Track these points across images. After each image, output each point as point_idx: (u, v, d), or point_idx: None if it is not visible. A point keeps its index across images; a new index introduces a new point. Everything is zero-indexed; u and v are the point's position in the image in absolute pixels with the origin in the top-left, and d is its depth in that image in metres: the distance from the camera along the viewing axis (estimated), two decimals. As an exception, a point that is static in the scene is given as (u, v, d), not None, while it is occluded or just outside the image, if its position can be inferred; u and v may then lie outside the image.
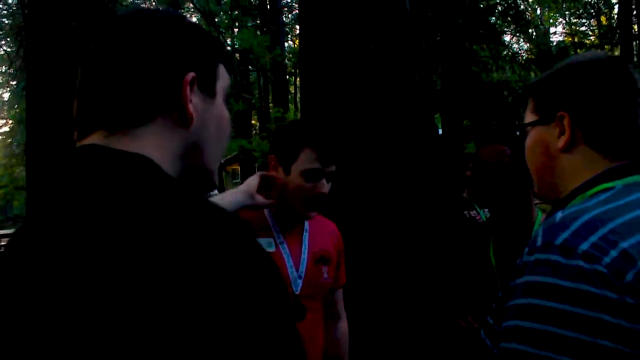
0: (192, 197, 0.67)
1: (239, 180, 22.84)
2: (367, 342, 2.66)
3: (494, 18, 13.82)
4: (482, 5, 13.05)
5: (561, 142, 1.08)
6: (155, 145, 0.74)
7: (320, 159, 1.72)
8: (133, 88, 0.74)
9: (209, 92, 0.81)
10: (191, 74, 0.77)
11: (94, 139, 0.74)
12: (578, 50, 15.76)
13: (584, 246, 0.85)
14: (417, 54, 3.14)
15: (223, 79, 0.85)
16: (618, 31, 16.53)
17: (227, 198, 1.63)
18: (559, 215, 0.95)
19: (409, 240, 2.86)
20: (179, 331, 0.56)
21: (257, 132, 22.56)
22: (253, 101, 19.91)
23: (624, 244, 0.85)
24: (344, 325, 2.11)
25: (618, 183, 1.00)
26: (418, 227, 2.89)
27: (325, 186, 1.74)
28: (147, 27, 0.76)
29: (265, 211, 1.85)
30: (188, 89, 0.76)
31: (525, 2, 18.77)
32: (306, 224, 1.90)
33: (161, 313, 0.56)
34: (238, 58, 18.72)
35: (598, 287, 0.82)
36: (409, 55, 3.03)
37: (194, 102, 0.78)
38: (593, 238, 0.86)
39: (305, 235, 1.87)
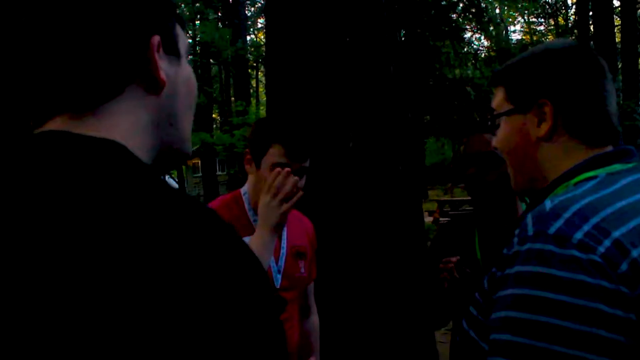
0: (168, 190, 0.61)
1: (199, 174, 22.57)
2: (339, 336, 2.65)
3: (455, 15, 13.99)
4: (444, 2, 13.19)
5: (543, 131, 1.06)
6: (127, 122, 0.67)
7: (288, 154, 1.71)
8: (97, 59, 0.65)
9: (175, 54, 0.75)
10: (157, 37, 0.70)
11: (55, 124, 0.65)
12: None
13: (579, 235, 0.84)
14: (392, 45, 3.12)
15: (182, 39, 0.78)
16: (575, 31, 16.96)
17: (265, 251, 1.58)
18: (549, 204, 0.93)
19: (385, 235, 2.84)
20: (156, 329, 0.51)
21: (218, 125, 22.39)
22: (214, 95, 19.74)
23: (616, 233, 0.84)
24: (315, 319, 2.11)
25: (600, 172, 0.99)
26: (393, 221, 2.87)
27: None
28: None
29: (247, 209, 1.84)
30: (156, 53, 0.70)
31: (486, 1, 19.08)
32: None
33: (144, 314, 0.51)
34: (199, 51, 18.49)
35: (593, 276, 0.81)
36: (385, 47, 3.01)
37: (163, 67, 0.71)
38: (587, 227, 0.85)
39: (284, 230, 1.86)
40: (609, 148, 1.04)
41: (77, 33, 0.65)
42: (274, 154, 1.71)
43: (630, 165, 1.01)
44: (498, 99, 1.16)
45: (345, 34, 2.87)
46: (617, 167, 1.00)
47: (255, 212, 1.79)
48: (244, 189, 1.88)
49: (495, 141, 1.17)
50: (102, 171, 0.59)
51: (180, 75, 0.75)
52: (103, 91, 0.66)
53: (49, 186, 0.57)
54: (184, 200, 0.60)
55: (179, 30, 0.77)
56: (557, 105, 1.05)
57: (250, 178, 1.84)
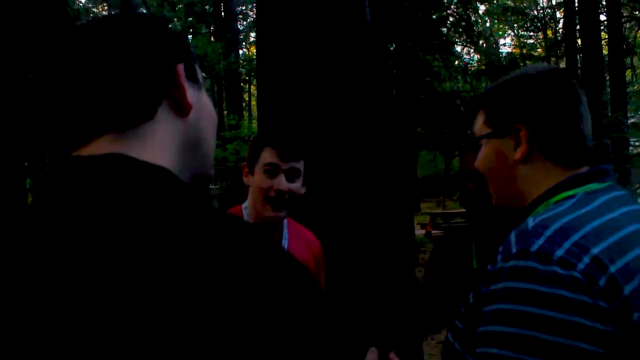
0: (214, 211, 0.68)
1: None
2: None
3: (445, 29, 14.08)
4: (434, 17, 13.28)
5: (518, 154, 1.12)
6: (164, 145, 0.75)
7: (279, 154, 1.75)
8: (134, 84, 0.73)
9: (196, 81, 0.83)
10: (181, 65, 0.79)
11: (105, 145, 0.72)
12: (527, 62, 16.27)
13: (559, 252, 0.89)
14: (377, 64, 3.18)
15: (198, 70, 0.87)
16: (563, 44, 17.12)
17: None
18: (531, 222, 0.98)
19: (372, 249, 2.87)
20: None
21: (211, 139, 22.28)
22: (207, 108, 19.58)
23: (595, 250, 0.89)
24: None
25: (578, 191, 1.05)
26: (380, 235, 2.91)
27: (283, 183, 1.75)
28: (132, 24, 0.77)
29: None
30: (183, 78, 0.78)
31: (476, 15, 19.24)
32: (284, 232, 1.89)
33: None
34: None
35: (574, 292, 0.85)
36: (370, 66, 3.06)
37: (188, 92, 0.79)
38: (567, 244, 0.90)
39: (285, 243, 1.87)
40: (585, 169, 1.09)
41: (117, 63, 0.73)
42: (265, 156, 1.76)
43: (605, 184, 1.06)
44: (479, 122, 1.22)
45: (331, 53, 2.93)
46: (593, 186, 1.05)
47: None
48: (245, 204, 1.89)
49: (476, 162, 1.23)
50: (163, 198, 0.66)
51: (202, 100, 0.84)
52: (139, 112, 0.74)
53: (117, 212, 0.62)
54: (231, 221, 0.66)
55: (195, 61, 0.86)
56: (532, 130, 1.10)
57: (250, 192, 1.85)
